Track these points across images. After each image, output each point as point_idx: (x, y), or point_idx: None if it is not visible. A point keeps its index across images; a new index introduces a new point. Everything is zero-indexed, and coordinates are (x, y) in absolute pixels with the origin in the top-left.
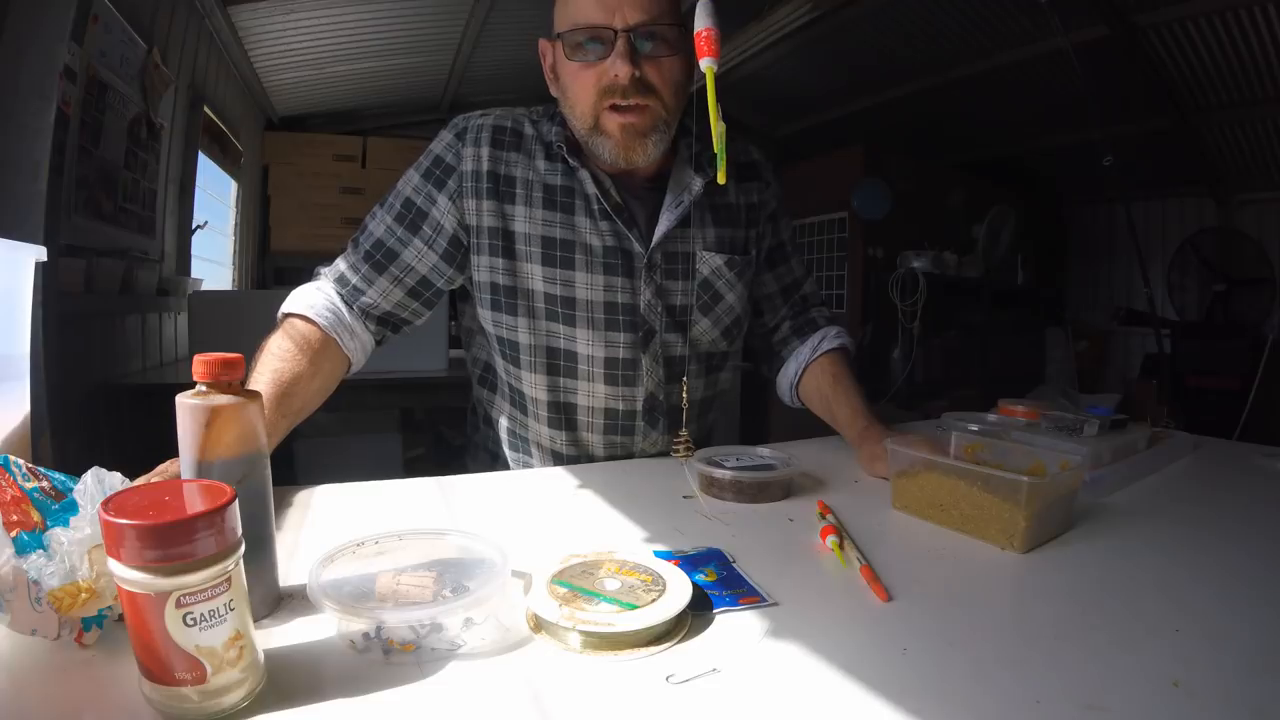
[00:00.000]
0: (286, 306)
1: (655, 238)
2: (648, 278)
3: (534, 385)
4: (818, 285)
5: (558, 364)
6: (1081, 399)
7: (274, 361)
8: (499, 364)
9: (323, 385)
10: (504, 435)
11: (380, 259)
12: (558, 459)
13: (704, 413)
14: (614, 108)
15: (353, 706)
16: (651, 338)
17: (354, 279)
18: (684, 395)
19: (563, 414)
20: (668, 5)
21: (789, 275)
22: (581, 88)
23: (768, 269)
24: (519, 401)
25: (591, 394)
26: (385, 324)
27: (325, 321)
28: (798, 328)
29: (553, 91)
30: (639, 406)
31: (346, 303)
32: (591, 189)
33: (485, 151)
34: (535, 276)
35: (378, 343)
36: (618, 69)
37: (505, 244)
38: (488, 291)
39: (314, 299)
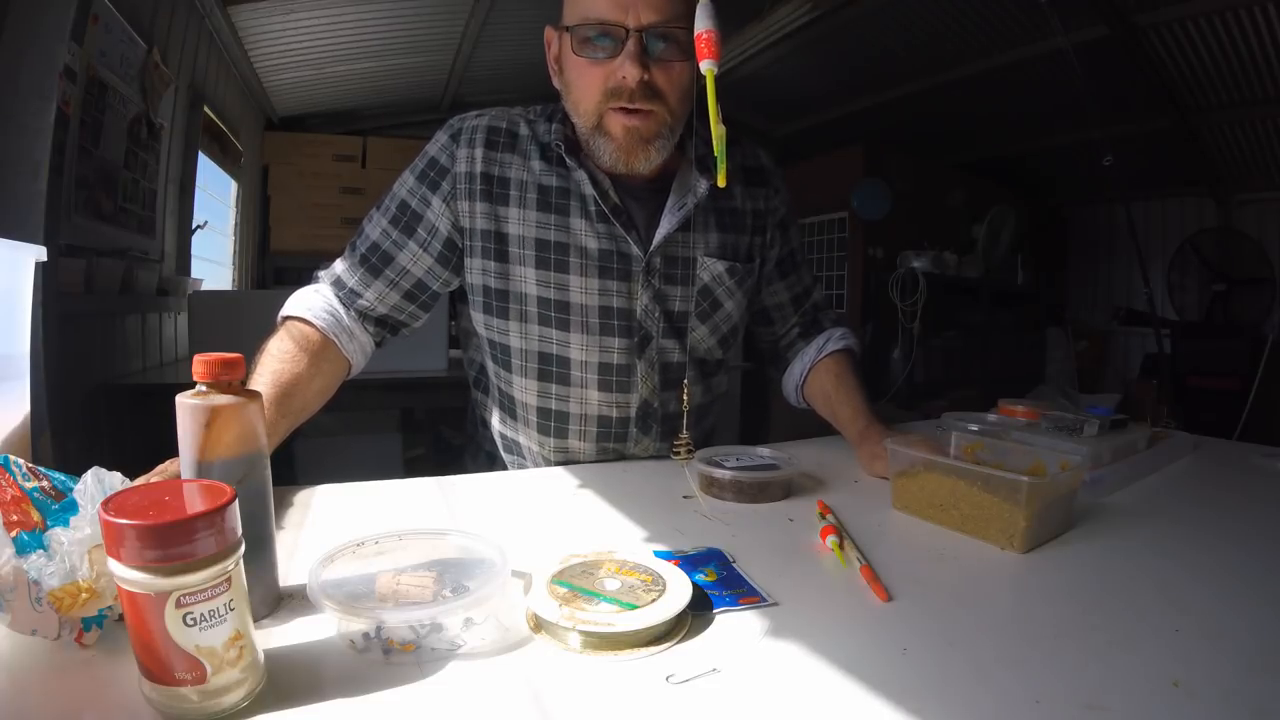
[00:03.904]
0: (285, 310)
1: (655, 241)
2: (645, 282)
3: (525, 390)
4: (819, 286)
5: (550, 370)
6: (1081, 399)
7: (274, 363)
8: (490, 368)
9: (323, 386)
10: (497, 439)
11: (376, 262)
12: (547, 464)
13: (701, 419)
14: (619, 109)
15: (353, 706)
16: (648, 343)
17: (350, 282)
18: (684, 400)
19: (553, 421)
20: (682, 8)
21: (799, 284)
22: (587, 85)
23: (779, 278)
24: (509, 406)
25: (584, 401)
26: (383, 325)
27: (324, 324)
28: (805, 332)
29: (555, 84)
30: (632, 413)
31: (344, 305)
32: (589, 190)
33: (479, 153)
34: (528, 280)
35: (377, 344)
36: (626, 71)
37: (498, 247)
38: (480, 294)
39: (312, 302)
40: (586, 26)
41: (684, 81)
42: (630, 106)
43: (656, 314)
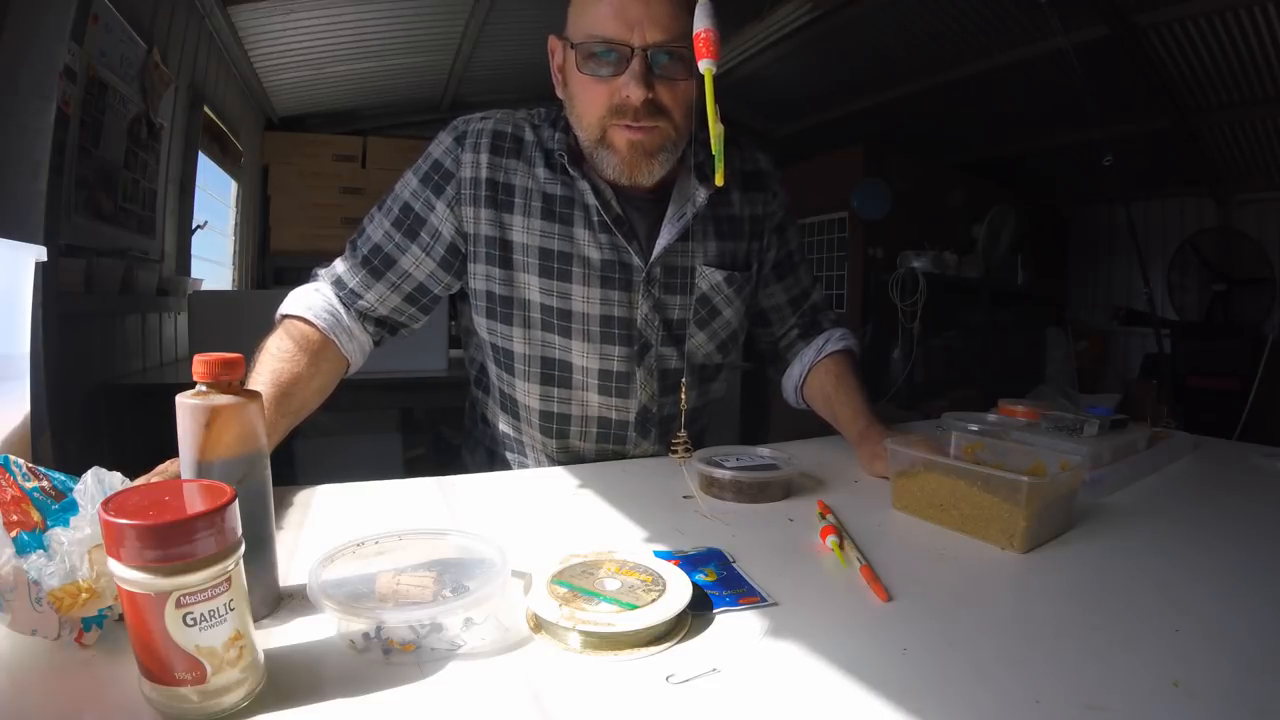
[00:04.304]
0: (284, 308)
1: (655, 251)
2: (646, 291)
3: (527, 393)
4: (819, 287)
5: (552, 374)
6: (1081, 399)
7: (273, 362)
8: (492, 370)
9: (322, 385)
10: (500, 437)
11: (378, 264)
12: (551, 463)
13: (694, 420)
14: (623, 125)
15: (353, 706)
16: (647, 351)
17: (351, 283)
18: (681, 406)
19: (555, 423)
20: (687, 26)
21: (797, 286)
22: (591, 101)
23: (775, 280)
24: (511, 408)
25: (585, 404)
26: (383, 326)
27: (324, 323)
28: (804, 333)
29: (559, 93)
30: (632, 417)
31: (345, 305)
32: (591, 200)
33: (484, 158)
34: (532, 287)
35: (375, 343)
36: (631, 91)
37: (502, 253)
38: (484, 299)
39: (312, 300)
40: (592, 43)
41: (688, 98)
42: (634, 124)
43: (656, 323)
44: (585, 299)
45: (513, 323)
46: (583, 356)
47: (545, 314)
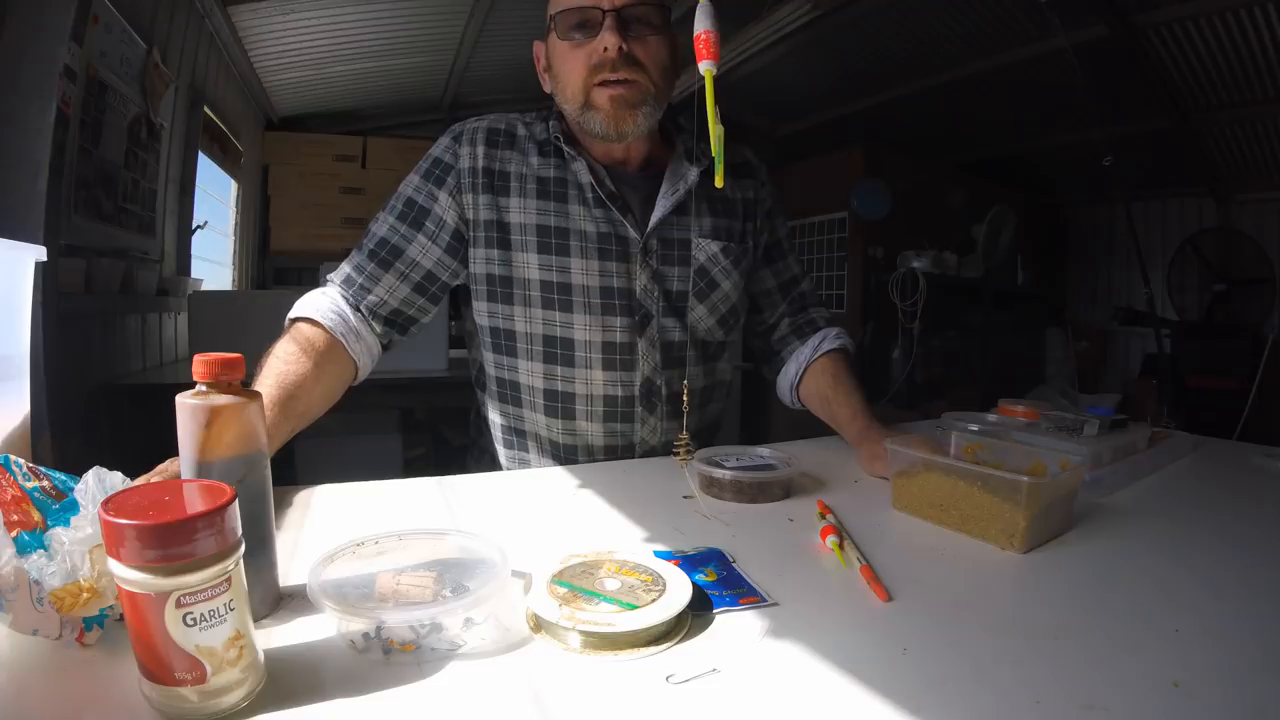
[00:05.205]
0: (293, 312)
1: (651, 222)
2: (643, 262)
3: (530, 374)
4: (817, 285)
5: (554, 352)
6: (1081, 399)
7: (278, 365)
8: (491, 359)
9: (327, 389)
10: (500, 434)
11: (385, 256)
12: (555, 449)
13: (705, 403)
14: (603, 82)
15: (353, 706)
16: (648, 322)
17: (360, 278)
18: (684, 407)
19: (560, 403)
20: None
21: (786, 272)
22: (573, 67)
23: (765, 265)
24: (512, 395)
25: (589, 381)
26: (392, 324)
27: (331, 324)
28: (797, 327)
29: (546, 87)
30: (637, 392)
31: (353, 304)
32: (586, 178)
33: (480, 150)
34: (531, 265)
35: (384, 346)
36: (606, 42)
37: (500, 235)
38: (484, 283)
39: (319, 303)
40: (568, 14)
41: (661, 54)
42: (613, 78)
43: (656, 293)
44: (584, 271)
45: (513, 302)
46: (584, 330)
47: (545, 290)
